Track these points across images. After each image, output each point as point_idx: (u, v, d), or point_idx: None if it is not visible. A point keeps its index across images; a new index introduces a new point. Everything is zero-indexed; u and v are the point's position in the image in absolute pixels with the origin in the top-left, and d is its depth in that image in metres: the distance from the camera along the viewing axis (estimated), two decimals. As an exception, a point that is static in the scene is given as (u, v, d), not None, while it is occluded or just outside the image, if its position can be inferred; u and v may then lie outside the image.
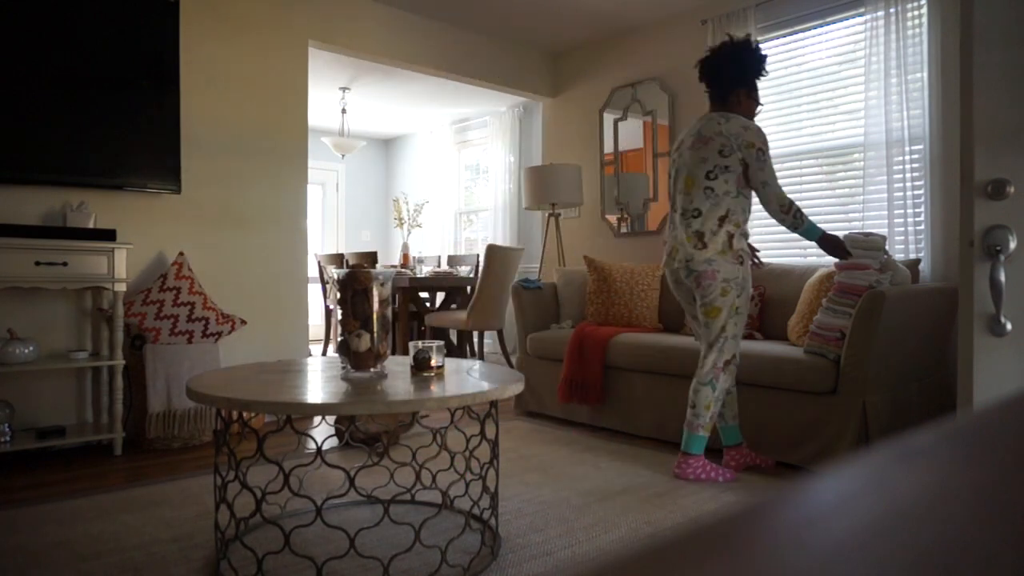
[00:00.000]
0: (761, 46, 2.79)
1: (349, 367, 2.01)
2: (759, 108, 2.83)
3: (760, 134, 2.66)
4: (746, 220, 2.73)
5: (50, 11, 3.11)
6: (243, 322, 3.55)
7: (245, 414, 2.11)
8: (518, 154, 6.34)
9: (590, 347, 3.62)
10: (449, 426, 1.85)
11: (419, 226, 6.72)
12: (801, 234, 2.71)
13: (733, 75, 2.74)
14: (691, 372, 3.20)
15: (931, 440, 0.32)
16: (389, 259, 8.14)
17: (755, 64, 2.75)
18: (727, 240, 2.65)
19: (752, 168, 2.65)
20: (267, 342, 3.93)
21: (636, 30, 4.87)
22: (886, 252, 2.87)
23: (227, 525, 2.11)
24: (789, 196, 2.69)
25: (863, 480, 0.27)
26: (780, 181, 4.00)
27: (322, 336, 7.00)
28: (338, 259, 5.98)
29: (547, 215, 5.14)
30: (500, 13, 4.64)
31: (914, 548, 0.21)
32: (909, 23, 3.41)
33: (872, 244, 2.80)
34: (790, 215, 2.64)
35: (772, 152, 4.05)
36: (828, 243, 2.74)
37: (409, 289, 5.15)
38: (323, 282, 6.25)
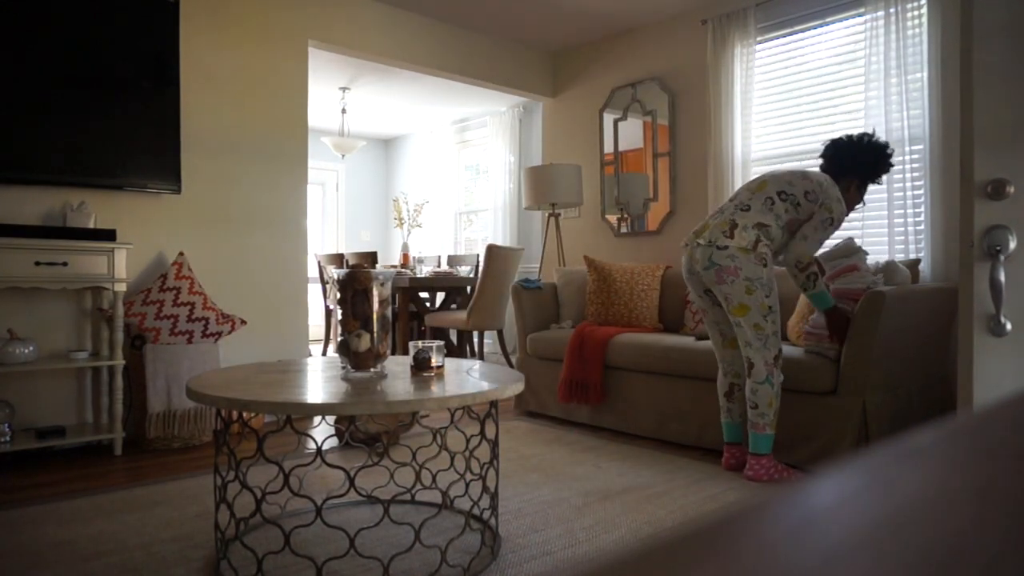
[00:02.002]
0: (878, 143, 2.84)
1: (349, 367, 2.01)
2: (859, 206, 2.92)
3: (843, 215, 2.72)
4: (774, 251, 2.70)
5: (50, 11, 3.11)
6: (243, 322, 3.55)
7: (245, 414, 2.11)
8: (518, 154, 6.34)
9: (590, 347, 3.62)
10: (449, 426, 1.85)
11: (419, 226, 6.73)
12: (811, 297, 2.71)
13: (860, 163, 2.79)
14: (691, 372, 3.20)
15: (931, 440, 0.32)
16: (389, 259, 8.14)
17: (883, 165, 2.82)
18: (754, 240, 2.62)
19: (812, 221, 2.68)
20: (267, 342, 3.93)
21: (636, 30, 4.87)
22: (866, 252, 2.90)
23: (227, 525, 2.11)
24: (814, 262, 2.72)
25: (863, 480, 0.27)
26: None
27: (322, 336, 7.00)
28: (338, 259, 5.98)
29: (547, 215, 5.14)
30: (500, 13, 4.64)
31: (914, 548, 0.21)
32: (909, 23, 3.41)
33: (845, 250, 2.84)
34: (803, 273, 2.66)
35: (772, 153, 4.06)
36: (836, 318, 2.74)
37: (409, 289, 5.15)
38: (323, 282, 6.25)
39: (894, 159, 3.43)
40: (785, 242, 2.74)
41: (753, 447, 2.67)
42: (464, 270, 5.73)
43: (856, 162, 2.80)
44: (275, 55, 3.95)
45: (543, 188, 4.73)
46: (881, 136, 3.50)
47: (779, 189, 2.71)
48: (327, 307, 6.21)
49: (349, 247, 8.10)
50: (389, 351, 2.08)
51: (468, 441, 2.15)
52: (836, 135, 3.76)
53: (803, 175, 2.74)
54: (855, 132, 2.90)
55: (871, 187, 3.55)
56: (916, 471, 0.28)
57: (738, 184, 4.11)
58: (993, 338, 1.64)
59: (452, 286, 5.37)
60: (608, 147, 5.05)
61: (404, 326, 5.17)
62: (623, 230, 4.96)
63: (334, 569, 1.86)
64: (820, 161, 2.92)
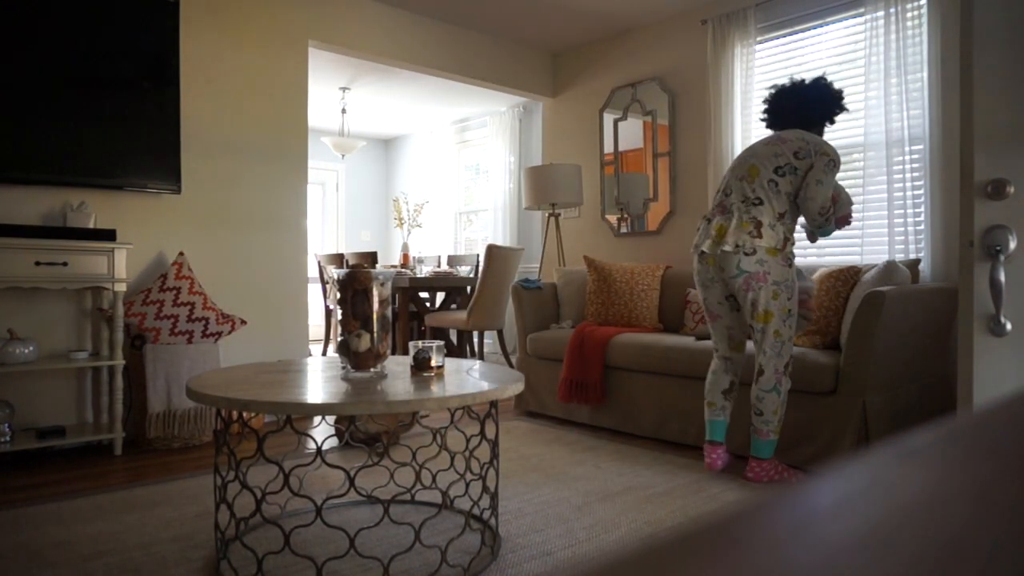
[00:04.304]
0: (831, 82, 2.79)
1: (349, 367, 2.01)
2: None
3: (837, 154, 2.64)
4: (794, 231, 2.67)
5: (50, 11, 3.11)
6: (243, 322, 3.55)
7: (245, 414, 2.11)
8: (518, 154, 6.34)
9: (590, 347, 3.62)
10: (449, 426, 1.85)
11: (419, 226, 6.73)
12: (822, 234, 2.70)
13: (827, 110, 2.74)
14: (691, 372, 3.20)
15: (931, 440, 0.32)
16: (389, 259, 8.14)
17: (839, 102, 2.76)
18: (782, 240, 2.57)
19: (815, 169, 2.59)
20: (267, 342, 3.92)
21: (636, 30, 4.87)
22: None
23: (227, 525, 2.11)
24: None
25: (863, 480, 0.27)
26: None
27: (322, 336, 7.00)
28: (338, 259, 5.98)
29: (547, 215, 5.14)
30: (500, 13, 4.64)
31: (914, 548, 0.21)
32: (909, 23, 3.41)
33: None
34: (822, 217, 2.61)
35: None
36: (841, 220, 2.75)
37: (409, 289, 5.15)
38: (323, 282, 6.25)
39: (902, 161, 3.43)
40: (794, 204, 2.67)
41: (755, 451, 2.66)
42: (464, 270, 5.73)
43: (827, 106, 2.73)
44: (275, 55, 3.95)
45: (543, 188, 4.73)
46: (871, 130, 3.50)
47: (774, 166, 2.62)
48: (327, 307, 6.21)
49: (349, 247, 8.10)
50: (389, 351, 2.08)
51: (468, 441, 2.15)
52: (836, 135, 3.77)
53: (780, 139, 2.66)
54: (793, 80, 2.82)
55: (871, 187, 3.57)
56: (916, 471, 0.28)
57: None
58: (993, 338, 1.64)
59: (452, 286, 5.37)
60: (608, 147, 5.05)
61: (404, 326, 5.17)
62: (623, 230, 4.96)
63: (334, 569, 1.86)
64: (769, 120, 2.81)
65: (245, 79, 3.83)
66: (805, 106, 2.74)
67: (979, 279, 1.64)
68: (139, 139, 3.35)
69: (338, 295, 2.01)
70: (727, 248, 2.57)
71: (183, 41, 3.57)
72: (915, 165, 3.39)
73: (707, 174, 4.33)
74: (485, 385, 1.86)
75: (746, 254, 2.55)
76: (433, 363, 2.06)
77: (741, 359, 2.82)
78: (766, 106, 2.84)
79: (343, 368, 2.05)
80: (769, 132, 2.86)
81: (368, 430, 2.99)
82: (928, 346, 3.06)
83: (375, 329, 1.99)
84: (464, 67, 4.92)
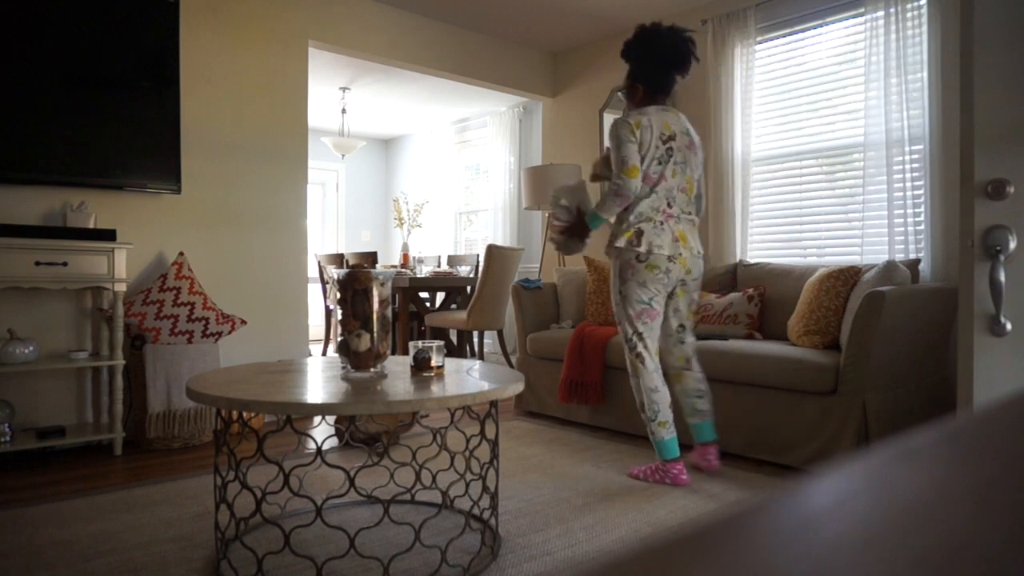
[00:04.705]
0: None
1: (349, 367, 2.01)
2: None
3: None
4: None
5: (50, 11, 3.11)
6: (243, 322, 3.55)
7: (245, 414, 2.12)
8: (518, 154, 6.34)
9: (590, 347, 3.62)
10: (449, 426, 1.85)
11: (419, 226, 6.73)
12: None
13: (688, 65, 2.85)
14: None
15: (931, 440, 0.32)
16: (389, 259, 8.14)
17: (695, 57, 2.89)
18: None
19: (702, 175, 2.86)
20: (267, 342, 3.92)
21: (636, 30, 4.86)
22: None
23: (227, 525, 2.11)
24: None
25: (863, 480, 0.27)
26: (780, 182, 4.03)
27: (322, 336, 7.00)
28: (338, 259, 5.98)
29: (547, 215, 5.13)
30: (500, 13, 4.64)
31: (914, 548, 0.21)
32: (909, 23, 3.41)
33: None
34: None
35: (772, 153, 4.06)
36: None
37: (409, 289, 5.15)
38: (323, 282, 6.25)
39: (902, 161, 3.43)
40: None
41: (713, 436, 2.80)
42: (464, 270, 5.73)
43: (687, 61, 2.90)
44: (275, 55, 3.95)
45: (543, 188, 4.73)
46: (871, 130, 3.50)
47: (696, 178, 2.79)
48: (327, 307, 6.21)
49: (349, 247, 8.10)
50: (389, 351, 2.08)
51: (468, 441, 2.15)
52: (836, 135, 3.77)
53: (694, 144, 2.81)
54: (657, 23, 2.87)
55: (871, 187, 3.56)
56: (915, 471, 0.28)
57: (738, 184, 4.10)
58: (993, 338, 1.64)
59: (452, 286, 5.37)
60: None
61: (404, 326, 5.16)
62: (623, 230, 4.95)
63: (334, 569, 1.86)
64: (668, 93, 2.91)
65: (245, 79, 3.83)
66: (676, 59, 2.82)
67: (979, 279, 1.64)
68: (139, 139, 3.35)
69: (338, 295, 2.01)
70: (695, 254, 2.75)
71: (183, 41, 3.57)
72: (915, 165, 3.39)
73: (707, 174, 4.33)
74: (485, 385, 1.86)
75: (702, 258, 2.80)
76: (433, 363, 2.06)
77: None
78: (639, 48, 2.83)
79: (343, 368, 2.05)
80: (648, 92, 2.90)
81: (368, 430, 2.99)
82: (928, 346, 3.06)
83: (375, 329, 1.99)
84: (464, 67, 4.92)
